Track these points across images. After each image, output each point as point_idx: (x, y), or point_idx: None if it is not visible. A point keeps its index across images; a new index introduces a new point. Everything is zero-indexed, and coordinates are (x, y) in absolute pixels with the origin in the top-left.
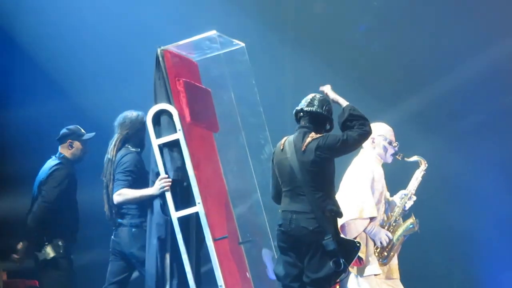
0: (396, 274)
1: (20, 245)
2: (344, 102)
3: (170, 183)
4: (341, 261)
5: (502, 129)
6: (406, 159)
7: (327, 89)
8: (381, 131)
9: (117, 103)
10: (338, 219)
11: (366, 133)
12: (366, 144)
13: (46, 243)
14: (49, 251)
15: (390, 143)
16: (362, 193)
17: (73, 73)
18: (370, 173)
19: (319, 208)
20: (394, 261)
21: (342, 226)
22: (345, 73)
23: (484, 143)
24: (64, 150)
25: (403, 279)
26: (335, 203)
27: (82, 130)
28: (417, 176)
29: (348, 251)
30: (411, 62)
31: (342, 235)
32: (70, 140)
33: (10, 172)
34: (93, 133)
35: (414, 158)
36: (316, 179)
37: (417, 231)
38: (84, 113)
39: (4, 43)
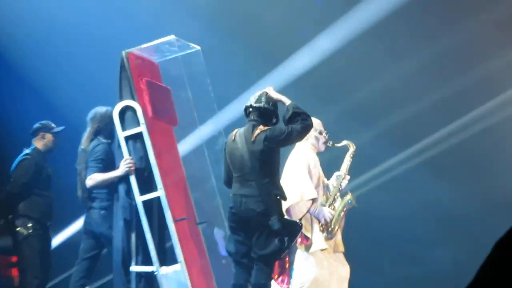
0: (342, 247)
1: None
2: (287, 101)
3: (133, 165)
4: (285, 239)
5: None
6: (336, 145)
7: (270, 90)
8: None
9: (87, 101)
10: (283, 202)
11: (308, 126)
12: None
13: (18, 224)
14: (22, 231)
15: (320, 133)
16: (301, 179)
17: (46, 74)
18: (305, 160)
19: (266, 192)
20: (339, 236)
21: (287, 209)
22: (288, 71)
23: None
24: (36, 143)
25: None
26: (280, 188)
27: (53, 124)
28: (348, 158)
29: (291, 231)
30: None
31: (286, 217)
32: (42, 133)
33: None
34: (63, 127)
35: (343, 143)
36: (264, 166)
37: (355, 205)
38: (56, 111)
39: None
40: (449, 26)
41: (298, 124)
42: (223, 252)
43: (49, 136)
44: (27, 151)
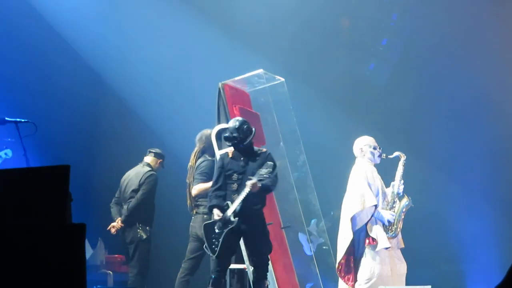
0: (403, 244)
1: (118, 221)
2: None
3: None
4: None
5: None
6: (389, 156)
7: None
8: (366, 142)
9: (190, 126)
10: (348, 213)
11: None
12: (358, 154)
13: (139, 227)
14: (142, 234)
15: (374, 148)
16: (361, 189)
17: (154, 103)
18: (363, 173)
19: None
20: (399, 234)
21: (353, 217)
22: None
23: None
24: (153, 163)
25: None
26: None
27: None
28: (400, 167)
29: None
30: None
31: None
32: (161, 161)
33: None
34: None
35: (395, 154)
36: None
37: (412, 205)
38: (162, 140)
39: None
40: None
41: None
42: (307, 252)
43: (162, 163)
44: (147, 168)
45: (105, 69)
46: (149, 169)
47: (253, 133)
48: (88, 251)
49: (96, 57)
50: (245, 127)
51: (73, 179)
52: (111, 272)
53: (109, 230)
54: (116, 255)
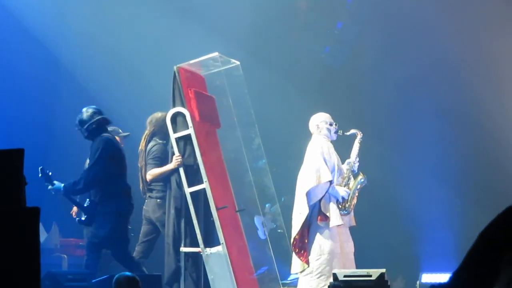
0: (354, 222)
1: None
2: None
3: (181, 159)
4: None
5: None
6: (345, 133)
7: None
8: (322, 118)
9: (144, 108)
10: (304, 187)
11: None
12: (314, 130)
13: None
14: None
15: (331, 124)
16: (316, 165)
17: (111, 85)
18: (319, 148)
19: None
20: (352, 213)
21: (308, 192)
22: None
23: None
24: None
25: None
26: None
27: (120, 130)
28: (356, 144)
29: None
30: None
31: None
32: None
33: None
34: (128, 133)
35: (352, 131)
36: None
37: (366, 183)
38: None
39: (46, 60)
40: None
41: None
42: (261, 236)
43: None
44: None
45: (62, 53)
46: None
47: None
48: (43, 235)
49: (53, 40)
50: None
51: (28, 163)
52: (65, 256)
53: (63, 212)
54: (71, 239)
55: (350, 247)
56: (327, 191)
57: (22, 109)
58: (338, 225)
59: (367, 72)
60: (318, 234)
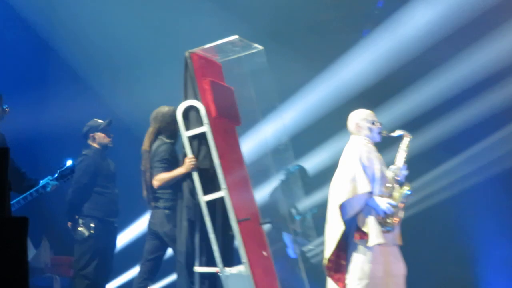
0: (400, 241)
1: (69, 224)
2: None
3: (195, 162)
4: None
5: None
6: (390, 134)
7: None
8: (363, 115)
9: (151, 101)
10: (337, 199)
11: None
12: (353, 130)
13: (80, 224)
14: (83, 231)
15: (373, 123)
16: (352, 172)
17: (107, 74)
18: (357, 152)
19: None
20: (397, 229)
21: (342, 205)
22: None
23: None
24: (91, 143)
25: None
26: None
27: (99, 121)
28: (403, 148)
29: None
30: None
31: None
32: (91, 134)
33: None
34: (109, 119)
35: (398, 132)
36: None
37: (413, 195)
38: (119, 112)
39: (37, 45)
40: None
41: None
42: (291, 254)
43: (99, 135)
44: (84, 151)
45: (54, 38)
46: (82, 154)
47: None
48: (31, 252)
49: (45, 24)
50: None
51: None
52: (57, 277)
53: (54, 227)
54: (64, 257)
55: (399, 269)
56: (366, 203)
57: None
58: (380, 244)
59: (415, 60)
60: (357, 254)
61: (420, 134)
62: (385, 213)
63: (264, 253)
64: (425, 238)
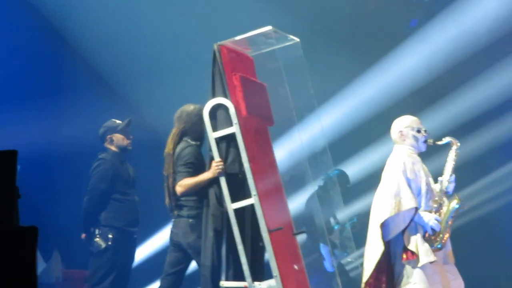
0: (452, 258)
1: (83, 236)
2: None
3: (223, 166)
4: None
5: None
6: (437, 142)
7: None
8: (406, 123)
9: (176, 98)
10: (379, 217)
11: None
12: (397, 139)
13: (97, 235)
14: (100, 243)
15: (418, 131)
16: (396, 187)
17: (129, 70)
18: (401, 164)
19: None
20: (449, 246)
21: (385, 223)
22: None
23: None
24: (108, 146)
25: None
26: None
27: (117, 121)
28: (451, 157)
29: None
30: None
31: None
32: (109, 136)
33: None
34: (128, 119)
35: (446, 139)
36: None
37: (464, 208)
38: (141, 110)
39: (53, 40)
40: None
41: None
42: (328, 268)
43: (117, 136)
44: (101, 155)
45: (70, 30)
46: (98, 158)
47: None
48: (40, 265)
49: (60, 17)
50: None
51: (23, 169)
52: None
53: (67, 238)
54: (77, 270)
55: (459, 285)
56: (412, 220)
57: (18, 96)
58: (431, 262)
59: (472, 57)
60: (412, 278)
61: (473, 138)
62: (433, 229)
63: (297, 267)
64: (477, 253)
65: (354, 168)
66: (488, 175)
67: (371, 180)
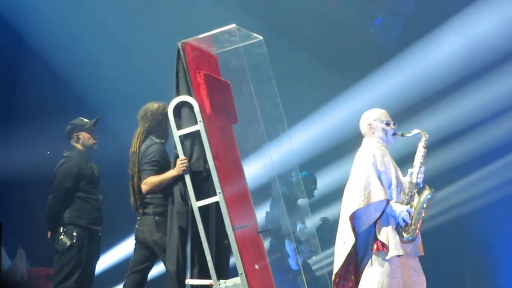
0: (422, 251)
1: (49, 234)
2: None
3: (188, 164)
4: None
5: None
6: (406, 135)
7: None
8: (376, 115)
9: (138, 97)
10: (349, 209)
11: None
12: (366, 132)
13: (62, 233)
14: (64, 241)
15: (387, 124)
16: (365, 180)
17: (89, 68)
18: (370, 156)
19: None
20: (419, 239)
21: (357, 216)
22: (352, 67)
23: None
24: (74, 144)
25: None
26: None
27: (85, 120)
28: (420, 149)
29: None
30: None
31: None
32: (75, 134)
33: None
34: (96, 118)
35: (414, 132)
36: None
37: (435, 199)
38: (104, 109)
39: (12, 40)
40: None
41: None
42: (293, 265)
43: (84, 135)
44: (66, 152)
45: (27, 28)
46: (64, 156)
47: None
48: (5, 262)
49: (17, 15)
50: None
51: None
52: None
53: (32, 235)
54: (42, 268)
55: (420, 282)
56: (383, 211)
57: None
58: (399, 256)
59: (431, 53)
60: (374, 268)
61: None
62: (404, 221)
63: (262, 264)
64: (444, 250)
65: (320, 166)
66: (459, 181)
67: (338, 178)
